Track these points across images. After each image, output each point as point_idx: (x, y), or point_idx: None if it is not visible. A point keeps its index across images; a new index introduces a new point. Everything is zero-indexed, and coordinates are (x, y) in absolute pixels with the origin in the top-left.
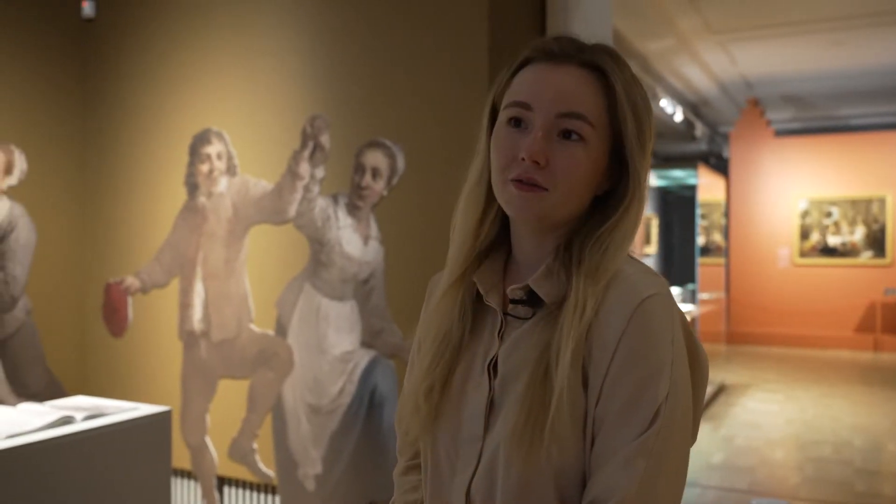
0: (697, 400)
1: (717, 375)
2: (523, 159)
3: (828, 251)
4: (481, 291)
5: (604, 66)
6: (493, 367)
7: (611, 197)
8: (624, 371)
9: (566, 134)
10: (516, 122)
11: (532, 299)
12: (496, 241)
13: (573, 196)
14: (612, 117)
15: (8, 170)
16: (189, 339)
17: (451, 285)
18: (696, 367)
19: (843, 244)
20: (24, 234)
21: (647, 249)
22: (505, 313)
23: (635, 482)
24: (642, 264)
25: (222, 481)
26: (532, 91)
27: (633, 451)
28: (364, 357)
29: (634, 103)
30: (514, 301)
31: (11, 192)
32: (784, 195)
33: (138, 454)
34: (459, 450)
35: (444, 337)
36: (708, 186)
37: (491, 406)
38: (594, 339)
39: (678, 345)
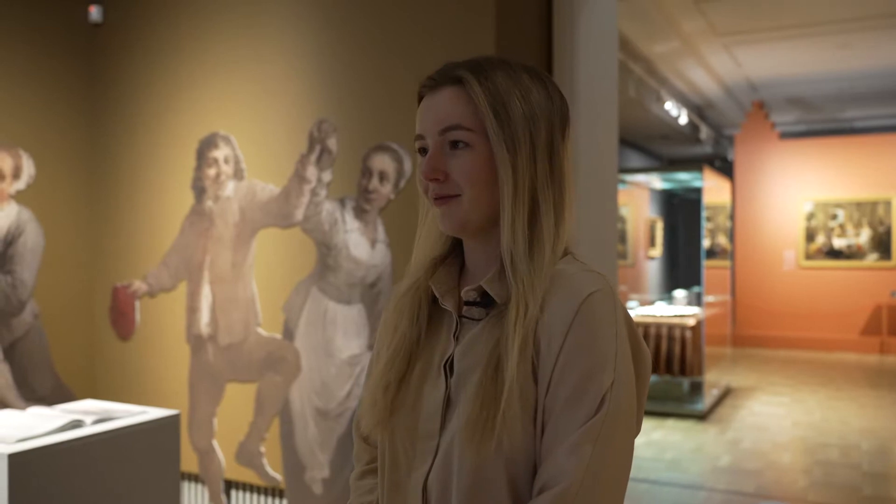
0: (641, 392)
1: (722, 378)
2: (428, 181)
3: (833, 254)
4: (437, 294)
5: (462, 77)
6: (448, 367)
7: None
8: (571, 362)
9: (454, 145)
10: (423, 152)
11: (485, 301)
12: (451, 255)
13: (482, 196)
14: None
15: (16, 174)
16: (196, 342)
17: (408, 289)
18: (639, 360)
19: (849, 246)
20: (32, 239)
21: (652, 252)
22: (460, 315)
23: (582, 467)
24: (584, 264)
25: (230, 485)
26: (420, 122)
27: (579, 437)
28: None
29: (498, 104)
30: (468, 303)
31: (19, 197)
32: (789, 197)
33: (147, 458)
34: (416, 447)
35: (401, 338)
36: (713, 189)
37: (447, 404)
38: (542, 334)
39: (621, 338)
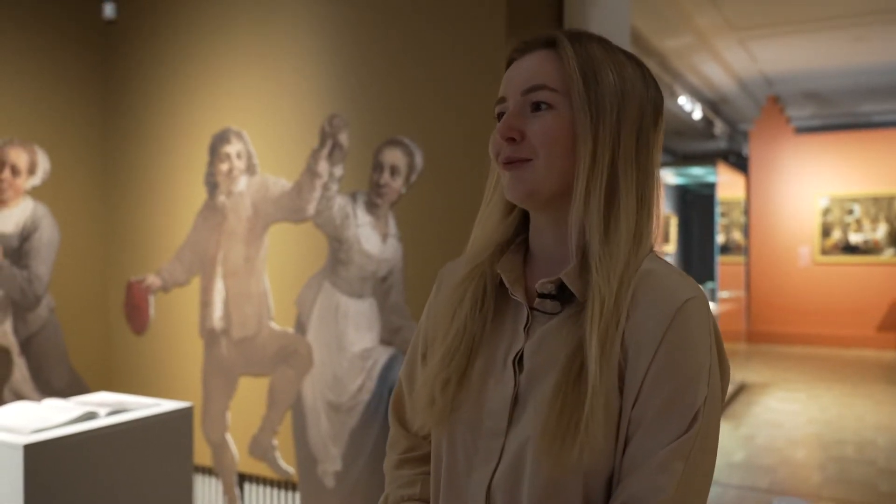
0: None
1: (737, 374)
2: (503, 140)
3: (849, 249)
4: (506, 283)
5: (556, 39)
6: (518, 362)
7: None
8: (664, 374)
9: (536, 106)
10: (501, 118)
11: (561, 294)
12: (514, 237)
13: (556, 163)
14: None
15: (31, 170)
16: (210, 336)
17: (469, 273)
18: (723, 372)
19: (865, 242)
20: (48, 234)
21: (666, 248)
22: (531, 307)
23: (673, 485)
24: (671, 265)
25: (243, 478)
26: (505, 84)
27: (671, 454)
28: (383, 354)
29: (588, 70)
30: (541, 295)
31: (35, 192)
32: (805, 193)
33: (161, 449)
34: (478, 445)
35: (461, 328)
36: (727, 184)
37: (515, 401)
38: (631, 340)
39: (713, 350)
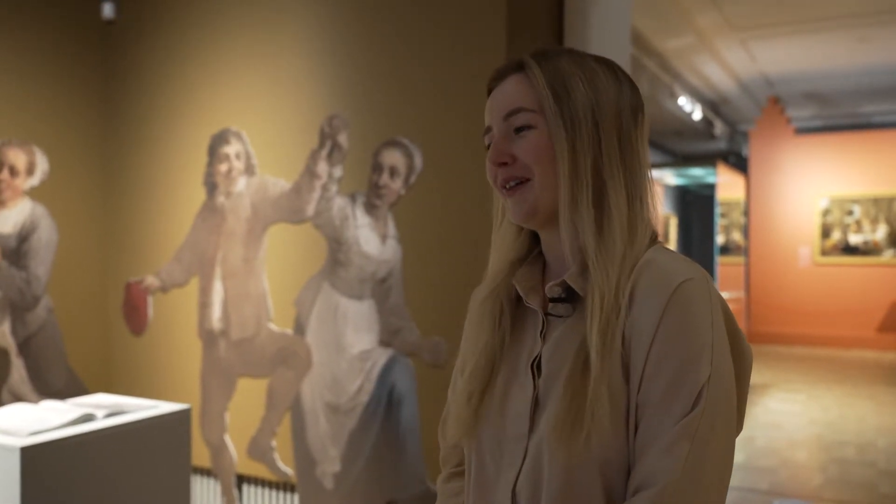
0: (742, 390)
1: None
2: (496, 166)
3: (849, 250)
4: (521, 293)
5: (524, 62)
6: (536, 367)
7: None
8: (664, 356)
9: (518, 130)
10: (490, 146)
11: (570, 297)
12: (528, 253)
13: (550, 178)
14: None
15: (30, 170)
16: (208, 337)
17: (489, 294)
18: (739, 355)
19: (865, 243)
20: (46, 234)
21: None
22: (546, 313)
23: (679, 466)
24: (675, 253)
25: (241, 479)
26: (488, 114)
27: (675, 435)
28: (382, 356)
29: (558, 84)
30: (553, 300)
31: (33, 193)
32: (805, 193)
33: (158, 451)
34: (504, 449)
35: (484, 347)
36: (727, 185)
37: (535, 405)
38: (632, 329)
39: (718, 328)
